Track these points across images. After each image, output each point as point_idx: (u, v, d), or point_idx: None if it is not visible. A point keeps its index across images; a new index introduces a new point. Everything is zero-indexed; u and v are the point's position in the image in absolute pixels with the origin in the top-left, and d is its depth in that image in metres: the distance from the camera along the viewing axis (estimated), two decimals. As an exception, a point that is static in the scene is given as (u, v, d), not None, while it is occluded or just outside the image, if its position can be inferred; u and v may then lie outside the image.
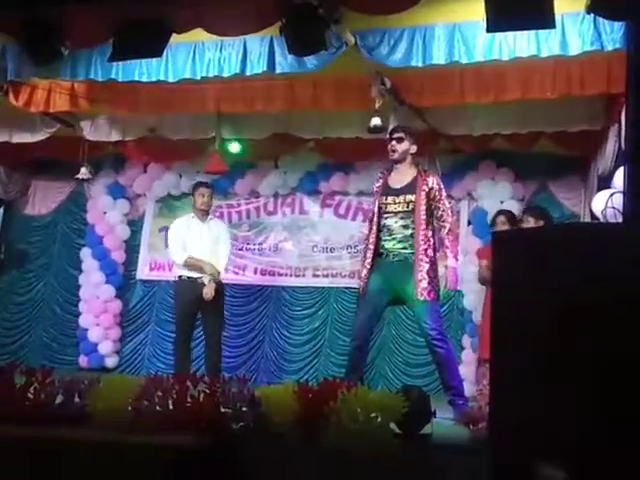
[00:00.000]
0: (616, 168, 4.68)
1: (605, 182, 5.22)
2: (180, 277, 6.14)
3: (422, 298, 4.68)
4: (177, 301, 6.23)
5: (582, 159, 6.79)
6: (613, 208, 4.17)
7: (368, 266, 4.85)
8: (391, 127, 5.37)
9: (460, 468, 3.10)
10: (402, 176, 4.93)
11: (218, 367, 6.07)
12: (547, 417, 2.24)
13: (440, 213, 4.90)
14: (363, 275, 4.89)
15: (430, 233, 4.83)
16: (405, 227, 4.84)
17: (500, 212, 5.99)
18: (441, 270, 4.84)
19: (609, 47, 4.39)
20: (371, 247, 4.87)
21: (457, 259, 4.99)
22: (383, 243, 4.86)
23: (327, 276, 7.86)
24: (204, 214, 6.26)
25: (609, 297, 2.22)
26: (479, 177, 7.36)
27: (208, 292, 5.92)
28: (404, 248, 4.81)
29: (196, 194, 6.27)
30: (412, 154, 4.95)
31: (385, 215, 4.89)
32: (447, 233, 4.88)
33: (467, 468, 3.07)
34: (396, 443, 3.14)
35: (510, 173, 7.27)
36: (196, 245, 6.11)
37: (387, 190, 4.93)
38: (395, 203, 4.88)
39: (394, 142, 4.93)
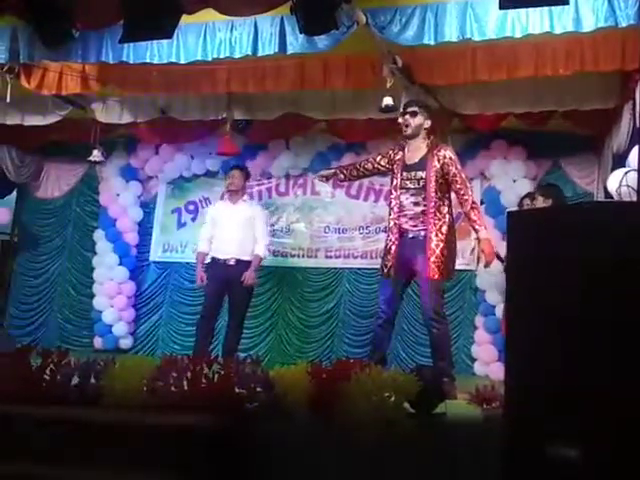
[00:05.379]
0: (631, 146, 4.63)
1: (620, 160, 5.17)
2: (213, 258, 6.28)
3: (433, 276, 4.68)
4: (208, 280, 6.28)
5: (596, 137, 6.72)
6: (628, 186, 4.14)
7: (394, 246, 4.83)
8: (403, 102, 5.30)
9: (473, 447, 3.11)
10: (414, 152, 4.89)
11: (236, 347, 6.18)
12: (563, 396, 2.24)
13: (458, 187, 4.76)
14: (390, 255, 4.85)
15: (446, 209, 4.76)
16: (416, 204, 4.80)
17: (527, 195, 6.21)
18: (471, 244, 4.79)
19: (623, 23, 4.32)
20: (392, 226, 4.88)
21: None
22: (397, 221, 4.85)
23: (339, 257, 7.86)
24: (234, 195, 6.37)
25: (623, 275, 2.21)
26: (491, 156, 7.30)
27: (249, 278, 6.16)
28: (415, 226, 4.79)
29: (226, 176, 6.53)
30: (426, 129, 4.89)
31: (400, 191, 4.87)
32: (471, 207, 4.75)
33: (480, 447, 3.08)
34: (409, 423, 3.15)
35: (523, 152, 7.21)
36: (224, 227, 6.25)
37: (402, 166, 4.90)
38: (407, 179, 4.85)
39: (407, 116, 4.88)
